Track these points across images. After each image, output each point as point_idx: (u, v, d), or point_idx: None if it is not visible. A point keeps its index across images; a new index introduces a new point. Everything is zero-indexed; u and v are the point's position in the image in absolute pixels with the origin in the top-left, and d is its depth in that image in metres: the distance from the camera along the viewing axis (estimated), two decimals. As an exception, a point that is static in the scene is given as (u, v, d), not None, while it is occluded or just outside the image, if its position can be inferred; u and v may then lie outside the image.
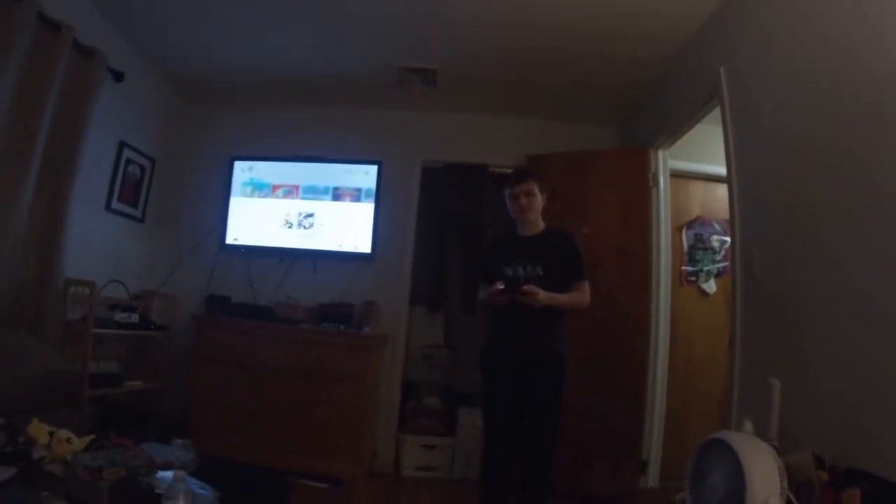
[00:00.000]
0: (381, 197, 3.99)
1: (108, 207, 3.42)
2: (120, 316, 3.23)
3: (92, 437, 2.04)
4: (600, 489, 3.21)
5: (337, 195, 4.04)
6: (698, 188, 3.82)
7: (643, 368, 3.39)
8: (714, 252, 3.74)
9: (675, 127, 3.29)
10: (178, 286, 3.85)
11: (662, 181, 3.59)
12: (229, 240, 4.04)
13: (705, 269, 3.76)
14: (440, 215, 4.28)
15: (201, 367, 3.53)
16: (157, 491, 1.72)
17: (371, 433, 3.66)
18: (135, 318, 3.33)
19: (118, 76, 3.25)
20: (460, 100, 4.02)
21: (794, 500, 1.29)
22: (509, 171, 4.03)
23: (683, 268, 3.75)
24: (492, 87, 3.80)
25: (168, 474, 1.92)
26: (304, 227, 4.03)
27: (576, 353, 3.45)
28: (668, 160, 3.61)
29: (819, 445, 1.59)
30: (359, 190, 4.02)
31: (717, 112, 2.84)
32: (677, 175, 3.71)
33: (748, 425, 1.57)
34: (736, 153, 2.58)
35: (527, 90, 3.80)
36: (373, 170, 4.01)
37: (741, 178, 2.54)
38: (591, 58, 3.30)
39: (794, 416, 1.77)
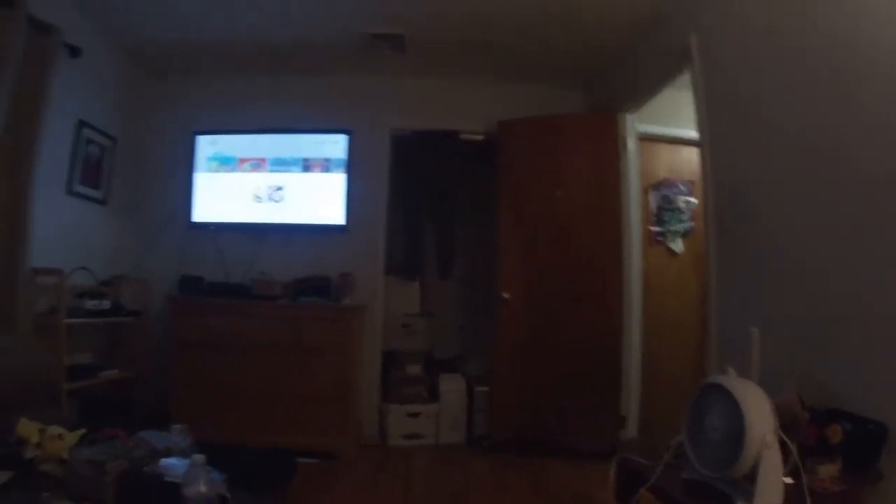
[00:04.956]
0: (353, 167, 3.92)
1: (69, 191, 3.24)
2: (91, 304, 3.10)
3: (83, 431, 1.99)
4: (584, 445, 3.36)
5: (306, 166, 3.95)
6: (664, 151, 3.91)
7: (618, 326, 3.52)
8: (680, 212, 3.85)
9: (644, 91, 3.36)
10: (149, 269, 3.73)
11: (631, 144, 3.67)
12: (197, 218, 3.92)
13: (672, 229, 3.87)
14: (414, 183, 4.25)
15: (180, 351, 3.46)
16: (169, 479, 1.70)
17: (356, 405, 3.69)
18: (106, 304, 3.21)
19: (74, 51, 3.06)
20: (429, 66, 3.96)
21: (784, 436, 1.38)
22: (481, 137, 4.08)
23: (651, 228, 3.85)
24: (460, 51, 3.75)
25: (173, 461, 1.90)
26: (275, 201, 3.93)
27: (553, 312, 3.57)
28: (636, 124, 3.68)
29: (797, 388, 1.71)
30: (328, 160, 3.94)
31: (682, 77, 2.91)
32: (644, 138, 3.79)
33: (732, 373, 1.65)
34: (707, 118, 2.66)
35: (496, 55, 3.77)
36: (342, 139, 3.93)
37: (713, 141, 2.63)
38: (562, 21, 3.28)
39: (770, 362, 1.88)
